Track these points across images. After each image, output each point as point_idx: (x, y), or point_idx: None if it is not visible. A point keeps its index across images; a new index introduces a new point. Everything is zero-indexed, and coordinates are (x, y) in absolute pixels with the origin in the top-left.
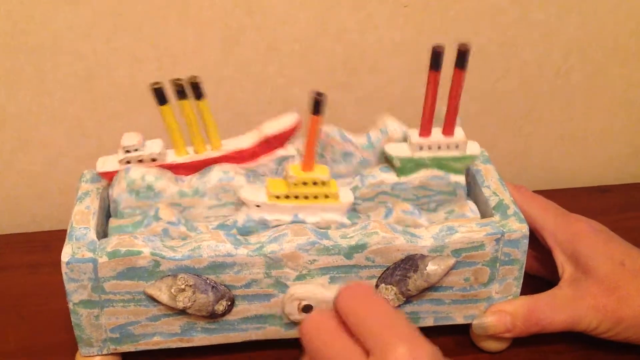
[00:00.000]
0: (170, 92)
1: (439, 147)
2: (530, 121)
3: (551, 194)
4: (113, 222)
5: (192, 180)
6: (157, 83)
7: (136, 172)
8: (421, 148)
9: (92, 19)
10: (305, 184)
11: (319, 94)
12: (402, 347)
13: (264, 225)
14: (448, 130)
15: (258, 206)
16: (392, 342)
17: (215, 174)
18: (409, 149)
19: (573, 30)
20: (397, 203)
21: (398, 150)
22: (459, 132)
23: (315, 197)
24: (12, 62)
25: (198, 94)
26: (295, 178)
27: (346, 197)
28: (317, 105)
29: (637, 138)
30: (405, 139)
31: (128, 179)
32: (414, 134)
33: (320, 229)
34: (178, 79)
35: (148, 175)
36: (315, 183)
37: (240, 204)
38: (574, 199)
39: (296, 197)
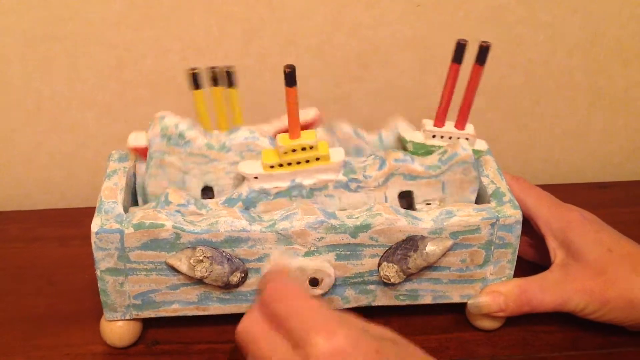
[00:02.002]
0: (204, 79)
1: (450, 138)
2: (534, 117)
3: (552, 188)
4: (133, 210)
5: (220, 136)
6: (194, 69)
7: (171, 119)
8: (434, 136)
9: (123, 10)
10: (294, 151)
11: (289, 67)
12: (318, 338)
13: (266, 193)
14: (461, 123)
15: (256, 177)
16: (309, 335)
17: (242, 132)
18: (423, 136)
19: (577, 31)
20: (389, 153)
21: (412, 136)
22: (469, 127)
23: (307, 162)
24: (47, 49)
25: (230, 82)
26: (285, 147)
27: (337, 156)
28: (289, 77)
29: (638, 136)
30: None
31: (162, 124)
32: (429, 123)
33: (318, 190)
34: (214, 67)
35: (181, 123)
36: (304, 148)
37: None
38: (574, 194)
39: (289, 164)
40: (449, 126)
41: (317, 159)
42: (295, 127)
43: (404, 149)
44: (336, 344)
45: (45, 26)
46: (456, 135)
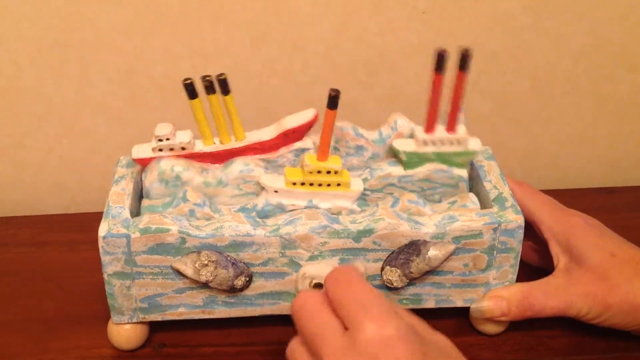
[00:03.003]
0: (200, 88)
1: (442, 143)
2: (540, 122)
3: (559, 194)
4: (145, 202)
5: (216, 172)
6: (188, 79)
7: (166, 163)
8: (426, 143)
9: (133, 18)
10: (319, 172)
11: (335, 91)
12: (370, 324)
13: (281, 209)
14: (451, 127)
15: (276, 191)
16: (362, 319)
17: (237, 166)
18: (415, 144)
19: (582, 36)
20: (403, 194)
21: (405, 145)
22: (461, 129)
23: (328, 185)
24: (59, 55)
25: (225, 89)
26: (311, 167)
27: (357, 186)
28: (333, 101)
29: None
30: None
31: (159, 169)
32: (419, 131)
33: (332, 214)
34: (207, 76)
35: (177, 166)
36: (328, 172)
37: (259, 191)
38: (580, 199)
39: (311, 184)
40: (441, 131)
41: (338, 184)
42: (326, 149)
43: (397, 158)
44: (385, 333)
45: (57, 33)
46: (448, 139)
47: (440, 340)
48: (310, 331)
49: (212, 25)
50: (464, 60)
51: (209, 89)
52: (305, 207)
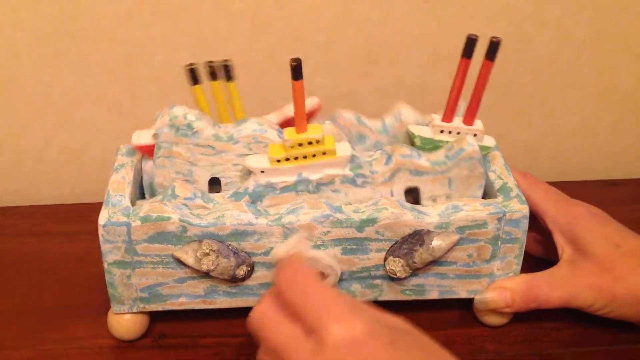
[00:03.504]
0: (202, 74)
1: (458, 133)
2: (543, 114)
3: (561, 186)
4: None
5: (228, 127)
6: (191, 64)
7: (179, 110)
8: (442, 131)
9: (132, 7)
10: (301, 145)
11: (295, 60)
12: (335, 326)
13: (272, 187)
14: (469, 119)
15: (263, 172)
16: (326, 322)
17: (251, 124)
18: (431, 130)
19: (586, 27)
20: (395, 148)
21: (420, 131)
22: (478, 123)
23: (314, 156)
24: (57, 45)
25: (228, 76)
26: (291, 141)
27: (344, 150)
28: (296, 70)
29: None
30: (417, 125)
31: (171, 114)
32: (437, 118)
33: (325, 183)
34: (211, 62)
35: (190, 114)
36: (310, 143)
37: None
38: (583, 191)
39: (295, 158)
40: (457, 121)
41: (324, 153)
42: (302, 120)
43: (412, 143)
44: (352, 332)
45: (55, 22)
46: (464, 130)
47: (402, 323)
48: (274, 345)
49: (212, 14)
50: (493, 48)
51: (213, 74)
52: (297, 182)
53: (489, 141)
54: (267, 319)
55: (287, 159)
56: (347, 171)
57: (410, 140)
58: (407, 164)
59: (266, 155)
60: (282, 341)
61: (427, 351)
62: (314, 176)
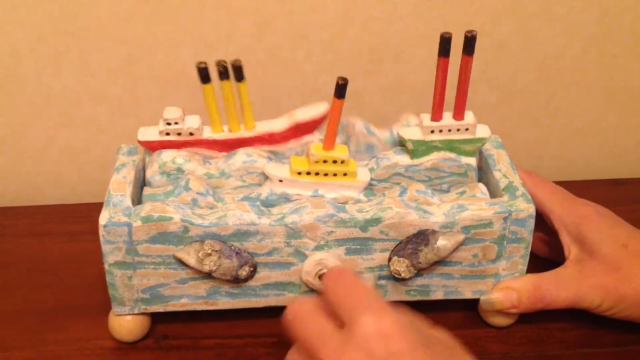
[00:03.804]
0: (212, 73)
1: (450, 130)
2: (548, 112)
3: (566, 185)
4: (147, 190)
5: (218, 163)
6: (202, 63)
7: (167, 155)
8: (432, 131)
9: (134, 5)
10: (325, 162)
11: (343, 79)
12: (367, 317)
13: (286, 199)
14: (458, 114)
15: (281, 181)
16: (359, 313)
17: (239, 157)
18: (421, 132)
19: (592, 25)
20: (411, 184)
21: (411, 134)
22: (469, 116)
23: (335, 175)
24: (59, 44)
25: (239, 76)
26: (317, 156)
27: (363, 175)
28: (341, 90)
29: None
30: (407, 127)
31: (160, 161)
32: (426, 118)
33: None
34: (222, 61)
35: (178, 158)
36: (335, 161)
37: (263, 182)
38: (589, 191)
39: (316, 173)
40: (448, 118)
41: (345, 174)
42: (332, 138)
43: (403, 146)
44: (383, 325)
45: (56, 21)
46: (455, 126)
47: (443, 334)
48: (307, 338)
49: (214, 13)
50: (469, 43)
51: (223, 74)
52: (311, 197)
53: (484, 131)
54: (303, 315)
55: (308, 173)
56: (362, 196)
57: (402, 144)
58: (420, 200)
59: (286, 165)
60: (315, 335)
61: None
62: (330, 195)
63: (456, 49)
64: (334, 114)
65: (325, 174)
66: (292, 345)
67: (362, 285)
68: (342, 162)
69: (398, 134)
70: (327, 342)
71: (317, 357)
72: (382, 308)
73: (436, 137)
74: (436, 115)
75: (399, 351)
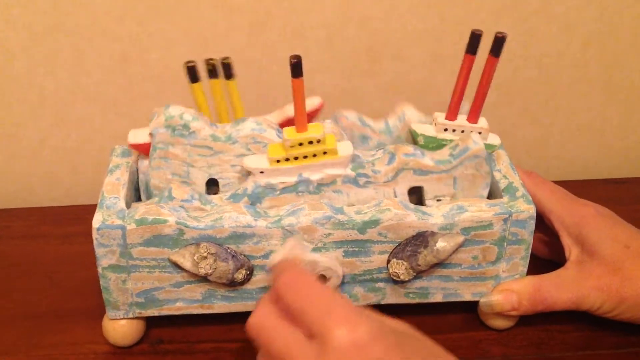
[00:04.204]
0: (201, 72)
1: (463, 132)
2: (548, 111)
3: (567, 185)
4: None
5: (225, 127)
6: (190, 62)
7: (175, 109)
8: (446, 129)
9: (128, 3)
10: (301, 144)
11: (295, 57)
12: (339, 329)
13: (272, 188)
14: (473, 117)
15: (262, 172)
16: (330, 326)
17: (249, 124)
18: (435, 129)
19: (592, 22)
20: (398, 147)
21: (424, 129)
22: (482, 121)
23: (314, 155)
24: (52, 42)
25: (228, 74)
26: (291, 140)
27: (345, 150)
28: (295, 68)
29: None
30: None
31: (167, 114)
32: (441, 116)
33: (326, 184)
34: (211, 59)
35: (186, 114)
36: (310, 142)
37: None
38: (590, 190)
39: (295, 158)
40: (462, 119)
41: (325, 153)
42: (302, 119)
43: (415, 142)
44: (357, 336)
45: (49, 19)
46: (469, 128)
47: (406, 327)
48: (275, 350)
49: (210, 11)
50: (498, 44)
51: (212, 72)
52: (297, 182)
53: (494, 139)
54: (266, 323)
55: (287, 159)
56: (349, 171)
57: (413, 139)
58: (411, 163)
59: (265, 155)
60: (283, 346)
61: (432, 354)
62: (315, 176)
63: (458, 49)
64: (297, 95)
65: (305, 157)
66: (258, 353)
67: (321, 289)
68: (318, 141)
69: (411, 127)
70: (298, 355)
71: None
72: (350, 314)
73: (449, 136)
74: (452, 114)
75: (377, 358)
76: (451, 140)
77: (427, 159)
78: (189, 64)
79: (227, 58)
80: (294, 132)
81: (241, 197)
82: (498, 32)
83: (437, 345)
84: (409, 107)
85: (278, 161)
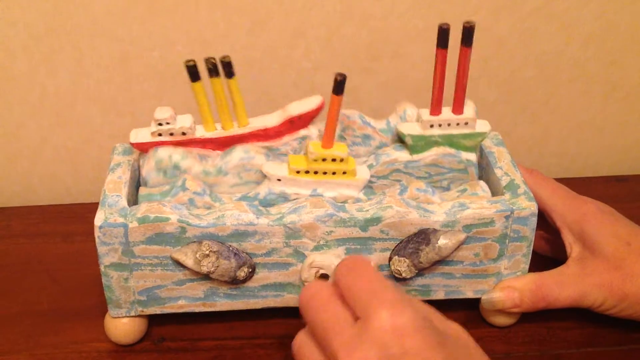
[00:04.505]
0: (202, 71)
1: (449, 125)
2: (548, 109)
3: (568, 182)
4: (143, 190)
5: (215, 160)
6: (191, 61)
7: (164, 152)
8: (432, 126)
9: (128, 3)
10: (324, 160)
11: (341, 75)
12: (383, 311)
13: (284, 198)
14: (457, 108)
15: (279, 180)
16: (375, 307)
17: (237, 153)
18: (420, 126)
19: (591, 21)
20: (411, 181)
21: (410, 129)
22: (468, 110)
23: (334, 173)
24: (52, 42)
25: (229, 72)
26: (316, 154)
27: (363, 173)
28: (339, 86)
29: None
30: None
31: (156, 158)
32: (425, 113)
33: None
34: (211, 58)
35: (175, 154)
36: (334, 160)
37: (261, 179)
38: (590, 188)
39: (315, 172)
40: (447, 112)
41: (344, 172)
42: (331, 136)
43: (402, 142)
44: (399, 321)
45: (50, 20)
46: (455, 121)
47: (456, 330)
48: (320, 324)
49: (210, 10)
50: (468, 33)
51: (212, 71)
52: (310, 196)
53: (483, 126)
54: (318, 297)
55: (307, 172)
56: (361, 195)
57: (401, 139)
58: (421, 198)
59: (285, 164)
60: (329, 323)
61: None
62: (329, 194)
63: (457, 47)
64: (332, 111)
65: (324, 173)
66: (304, 327)
67: (377, 276)
68: (341, 160)
69: (396, 129)
70: (341, 332)
71: (330, 345)
72: (398, 302)
73: (435, 131)
74: (435, 110)
75: (413, 349)
76: (440, 136)
77: (436, 198)
78: (189, 63)
79: (226, 56)
80: (319, 146)
81: (252, 201)
82: (465, 22)
83: (482, 353)
84: (409, 105)
85: (298, 172)
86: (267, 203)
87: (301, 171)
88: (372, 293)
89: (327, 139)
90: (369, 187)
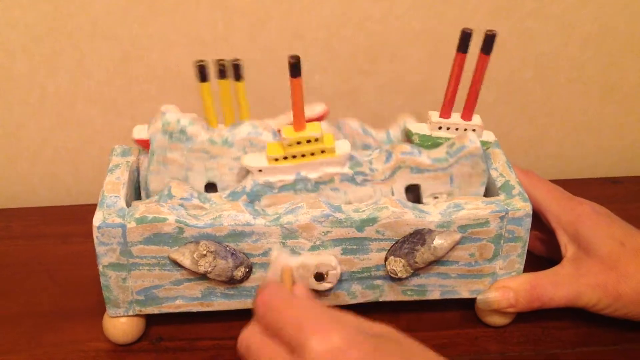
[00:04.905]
0: (211, 72)
1: (457, 129)
2: (545, 111)
3: (564, 184)
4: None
5: (222, 131)
6: (201, 61)
7: (172, 115)
8: (440, 128)
9: (128, 4)
10: (299, 143)
11: (294, 57)
12: (313, 340)
13: (270, 187)
14: (467, 114)
15: (260, 171)
16: (304, 338)
17: (245, 127)
18: (429, 127)
19: (588, 23)
20: (395, 146)
21: (418, 128)
22: (476, 118)
23: (312, 154)
24: (52, 44)
25: (238, 75)
26: (289, 139)
27: (343, 148)
28: (294, 68)
29: None
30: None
31: (164, 120)
32: (435, 114)
33: (324, 182)
34: (221, 60)
35: (183, 119)
36: (309, 141)
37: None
38: (586, 189)
39: (294, 156)
40: (456, 117)
41: (323, 151)
42: (300, 119)
43: (410, 142)
44: (331, 343)
45: (50, 21)
46: (463, 126)
47: (386, 329)
48: None
49: (209, 12)
50: (489, 42)
51: (222, 73)
52: (295, 181)
53: (489, 136)
54: (252, 342)
55: (286, 158)
56: (347, 169)
57: (408, 138)
58: (408, 161)
59: (264, 153)
60: None
61: (413, 355)
62: (313, 175)
63: (453, 49)
64: (296, 94)
65: (303, 155)
66: None
67: (296, 303)
68: (316, 139)
69: (405, 127)
70: None
71: None
72: (324, 324)
73: (443, 134)
74: (446, 112)
75: None
76: (446, 139)
77: (424, 157)
78: (200, 63)
79: (237, 59)
80: (292, 131)
81: (240, 195)
82: (488, 30)
83: (419, 346)
84: (410, 117)
85: (276, 160)
86: (254, 195)
87: (280, 158)
88: (296, 325)
89: (298, 121)
90: (355, 161)
